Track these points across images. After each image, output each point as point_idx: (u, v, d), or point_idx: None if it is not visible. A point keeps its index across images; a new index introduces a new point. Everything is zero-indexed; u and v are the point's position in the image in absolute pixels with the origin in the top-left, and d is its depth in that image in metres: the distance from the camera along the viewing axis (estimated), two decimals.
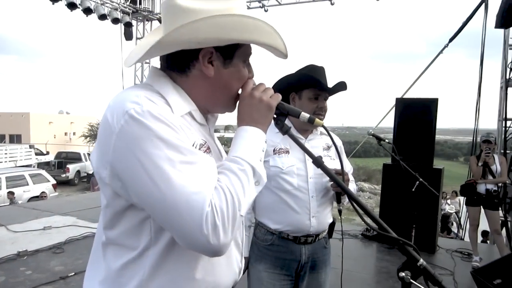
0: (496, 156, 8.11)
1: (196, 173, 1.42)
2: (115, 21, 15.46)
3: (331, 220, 3.35)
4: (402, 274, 1.44)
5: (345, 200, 3.10)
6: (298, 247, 3.19)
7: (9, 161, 30.11)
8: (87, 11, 14.29)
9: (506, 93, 11.06)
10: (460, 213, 16.31)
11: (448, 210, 18.40)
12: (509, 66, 10.87)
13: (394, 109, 9.48)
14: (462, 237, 13.31)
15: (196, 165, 1.43)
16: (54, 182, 21.96)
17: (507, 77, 10.92)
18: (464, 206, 9.20)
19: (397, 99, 9.57)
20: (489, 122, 12.84)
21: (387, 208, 8.97)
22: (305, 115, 1.72)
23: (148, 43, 1.58)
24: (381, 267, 7.85)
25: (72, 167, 33.29)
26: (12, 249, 7.71)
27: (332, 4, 14.69)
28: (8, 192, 17.99)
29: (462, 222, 14.64)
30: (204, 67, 1.63)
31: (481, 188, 7.90)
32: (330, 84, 3.22)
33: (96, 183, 19.22)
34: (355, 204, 1.57)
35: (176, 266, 1.59)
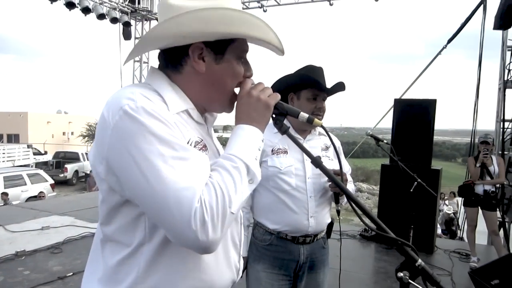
0: (494, 157, 8.12)
1: (188, 169, 1.43)
2: (114, 20, 15.45)
3: (329, 221, 3.35)
4: (401, 274, 1.44)
5: (344, 200, 3.10)
6: (297, 247, 3.20)
7: (7, 161, 30.06)
8: (86, 10, 14.28)
9: (504, 95, 11.07)
10: (458, 214, 16.33)
11: (446, 211, 18.41)
12: (507, 67, 10.87)
13: (392, 110, 9.49)
14: (461, 235, 13.31)
15: (188, 161, 1.44)
16: (52, 182, 21.94)
17: (505, 79, 10.92)
18: (462, 207, 9.21)
19: (395, 100, 9.57)
20: (487, 123, 12.87)
21: (385, 209, 8.99)
22: (304, 115, 1.72)
23: None
24: (379, 268, 7.86)
25: (70, 167, 33.27)
26: (10, 249, 7.70)
27: (331, 4, 14.69)
28: (1, 193, 17.93)
29: (460, 223, 14.65)
30: (195, 63, 1.65)
31: (479, 189, 7.90)
32: (329, 84, 3.23)
33: (93, 183, 19.30)
34: (353, 205, 1.57)
35: (171, 264, 1.59)
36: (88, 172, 28.18)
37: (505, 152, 10.85)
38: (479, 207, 8.00)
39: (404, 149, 8.16)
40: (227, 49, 1.67)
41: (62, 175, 32.24)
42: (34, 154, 34.86)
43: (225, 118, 1.96)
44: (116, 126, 1.45)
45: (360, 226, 10.90)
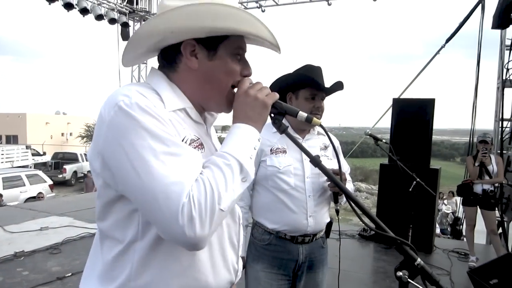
0: (492, 157, 8.12)
1: (178, 165, 1.43)
2: (112, 21, 15.42)
3: (328, 220, 3.35)
4: (400, 273, 1.44)
5: (343, 200, 3.09)
6: (296, 246, 3.19)
7: (6, 162, 30.10)
8: (84, 11, 14.24)
9: (503, 94, 11.07)
10: (456, 213, 16.34)
11: (445, 211, 18.42)
12: (506, 66, 10.88)
13: (391, 109, 9.50)
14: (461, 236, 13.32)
15: (180, 157, 1.45)
16: (51, 182, 21.97)
17: (504, 78, 10.93)
18: (461, 206, 9.22)
19: (394, 100, 9.59)
20: (486, 122, 12.88)
21: (384, 208, 8.99)
22: (303, 114, 1.72)
23: None
24: (378, 267, 7.85)
25: (69, 168, 33.31)
26: (9, 249, 7.69)
27: (329, 4, 14.67)
28: None
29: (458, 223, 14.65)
30: (187, 60, 1.67)
31: (478, 188, 7.90)
32: (327, 84, 3.23)
33: (91, 184, 19.27)
34: (353, 204, 1.57)
35: (165, 261, 1.59)
36: (86, 173, 28.22)
37: (504, 151, 10.87)
38: (478, 207, 8.00)
39: (403, 149, 8.18)
40: (220, 45, 1.68)
41: (61, 175, 32.29)
42: (33, 155, 34.94)
43: (224, 118, 1.96)
44: (111, 122, 1.47)
45: (359, 225, 10.90)
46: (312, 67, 3.28)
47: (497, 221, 9.03)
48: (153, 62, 1.89)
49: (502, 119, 11.13)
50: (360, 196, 35.44)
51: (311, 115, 1.73)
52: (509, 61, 10.82)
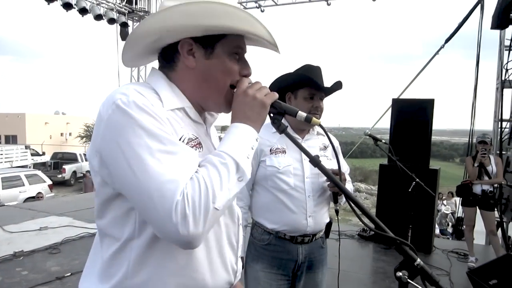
0: (492, 157, 8.12)
1: (174, 163, 1.44)
2: (111, 21, 15.39)
3: (327, 220, 3.35)
4: (399, 273, 1.44)
5: (342, 200, 3.09)
6: (295, 246, 3.19)
7: (5, 162, 30.10)
8: (83, 11, 14.22)
9: (502, 94, 11.05)
10: (456, 214, 16.33)
11: (444, 211, 18.43)
12: (505, 67, 10.86)
13: (390, 109, 9.51)
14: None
15: (175, 156, 1.46)
16: (50, 182, 21.96)
17: (503, 78, 10.91)
18: (460, 206, 9.22)
19: (393, 100, 9.61)
20: (485, 123, 12.87)
21: (384, 209, 8.99)
22: (302, 114, 1.71)
23: None
24: (378, 267, 7.86)
25: (68, 168, 33.30)
26: (8, 249, 7.70)
27: (328, 4, 14.67)
28: None
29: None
30: (185, 58, 1.69)
31: (477, 188, 7.90)
32: (327, 84, 3.23)
33: (90, 184, 19.26)
34: (352, 204, 1.57)
35: (161, 260, 1.60)
36: (85, 173, 28.24)
37: (503, 152, 10.86)
38: (477, 207, 8.00)
39: (402, 149, 8.18)
40: (217, 44, 1.69)
41: (60, 175, 32.29)
42: (32, 155, 34.95)
43: (224, 118, 1.96)
44: (108, 120, 1.49)
45: (358, 226, 10.91)
46: (311, 67, 3.28)
47: (496, 222, 9.01)
48: (154, 63, 1.90)
49: (501, 120, 11.12)
50: (360, 196, 35.44)
51: (310, 114, 1.73)
52: (508, 62, 10.78)
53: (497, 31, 11.21)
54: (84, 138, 52.69)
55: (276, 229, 3.18)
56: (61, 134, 57.47)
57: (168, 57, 1.76)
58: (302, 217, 3.15)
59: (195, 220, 1.38)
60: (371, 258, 8.57)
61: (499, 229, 9.71)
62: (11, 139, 50.93)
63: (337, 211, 3.15)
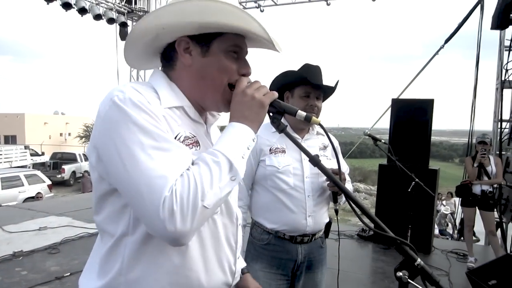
0: (491, 157, 8.12)
1: (165, 160, 1.45)
2: (110, 21, 15.38)
3: (327, 220, 3.35)
4: (400, 273, 1.43)
5: (342, 200, 3.09)
6: (294, 246, 3.19)
7: (4, 162, 30.11)
8: (82, 11, 14.21)
9: (502, 94, 11.04)
10: (455, 214, 16.33)
11: (443, 211, 18.42)
12: (505, 67, 10.85)
13: (390, 110, 9.50)
14: (457, 237, 13.30)
15: (168, 152, 1.47)
16: (50, 182, 21.93)
17: (503, 79, 10.90)
18: (460, 207, 9.22)
19: (393, 100, 9.61)
20: (485, 123, 12.85)
21: (383, 209, 8.98)
22: (301, 113, 1.71)
23: None
24: (377, 268, 7.86)
25: (68, 168, 33.28)
26: (7, 249, 7.69)
27: (328, 4, 14.66)
28: None
29: (457, 223, 14.65)
30: (181, 56, 1.72)
31: (477, 189, 7.90)
32: (327, 84, 3.24)
33: (87, 184, 19.24)
34: (352, 204, 1.57)
35: (156, 258, 1.60)
36: (83, 173, 28.26)
37: (503, 152, 10.85)
38: (477, 207, 8.00)
39: (402, 149, 8.17)
40: (213, 42, 1.70)
41: (59, 176, 32.26)
42: (31, 155, 34.94)
43: (225, 119, 1.96)
44: (105, 116, 1.52)
45: (358, 226, 10.91)
46: (309, 66, 3.29)
47: (495, 222, 9.01)
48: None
49: (501, 120, 11.11)
50: (359, 196, 35.40)
51: (309, 113, 1.72)
52: (508, 62, 10.77)
53: (497, 31, 11.20)
54: (84, 138, 52.72)
55: (276, 229, 3.18)
56: (61, 134, 57.46)
57: (168, 57, 1.78)
58: (301, 216, 3.15)
59: (183, 217, 1.39)
60: (370, 258, 8.57)
61: (499, 230, 9.71)
62: (10, 139, 50.90)
63: (336, 211, 3.14)
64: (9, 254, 7.46)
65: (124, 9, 16.28)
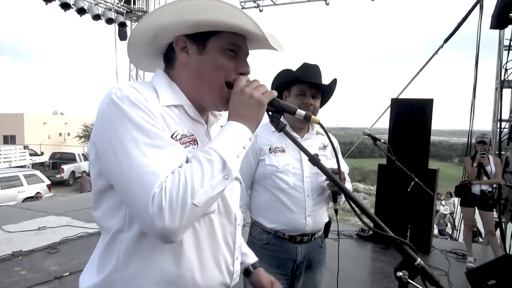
0: (491, 157, 8.12)
1: (158, 157, 1.47)
2: (109, 21, 15.39)
3: (327, 220, 3.35)
4: (400, 273, 1.43)
5: (342, 199, 3.09)
6: (294, 246, 3.19)
7: (4, 162, 30.12)
8: (81, 11, 14.21)
9: (501, 94, 11.02)
10: (454, 214, 16.33)
11: (443, 211, 18.42)
12: (504, 67, 10.83)
13: (389, 109, 9.50)
14: (457, 238, 13.31)
15: (161, 150, 1.49)
16: (49, 182, 21.92)
17: (502, 78, 10.89)
18: (459, 207, 9.21)
19: (392, 100, 9.61)
20: (484, 123, 12.83)
21: (382, 209, 8.99)
22: (301, 112, 1.71)
23: None
24: (376, 268, 7.87)
25: (67, 168, 33.28)
26: (6, 249, 7.69)
27: (327, 4, 14.67)
28: None
29: (456, 223, 14.65)
30: (179, 55, 1.74)
31: (476, 189, 7.90)
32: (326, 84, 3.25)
33: (85, 185, 19.22)
34: (352, 203, 1.56)
35: (150, 256, 1.61)
36: (81, 173, 28.27)
37: (502, 152, 10.84)
38: (476, 207, 8.01)
39: (401, 149, 8.16)
40: (209, 40, 1.72)
41: (58, 175, 32.28)
42: (31, 155, 34.98)
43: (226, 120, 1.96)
44: (103, 113, 1.55)
45: (357, 226, 10.91)
46: (308, 65, 3.31)
47: (494, 222, 9.01)
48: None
49: (501, 120, 11.10)
50: (358, 196, 35.00)
51: (309, 112, 1.72)
52: (507, 62, 10.76)
53: (497, 31, 11.18)
54: (83, 138, 52.66)
55: (275, 229, 3.18)
56: (60, 134, 57.40)
57: (168, 57, 1.81)
58: (301, 216, 3.15)
59: (171, 213, 1.39)
60: (369, 258, 8.57)
61: (498, 229, 9.71)
62: (9, 139, 50.85)
63: (336, 211, 3.15)
64: (8, 253, 7.46)
65: (123, 9, 16.28)
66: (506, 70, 10.75)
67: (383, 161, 9.32)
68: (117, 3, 15.95)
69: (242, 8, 1.65)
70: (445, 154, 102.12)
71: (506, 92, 11.33)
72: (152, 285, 1.61)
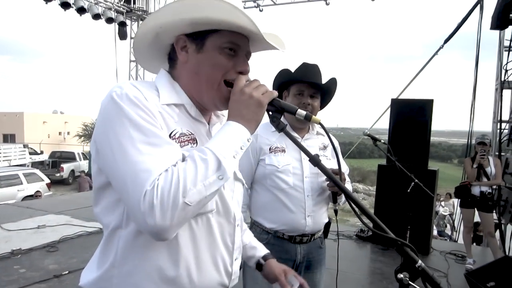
0: (491, 158, 8.10)
1: (153, 154, 1.48)
2: (109, 20, 15.42)
3: (326, 220, 3.36)
4: (401, 275, 1.42)
5: (341, 200, 3.09)
6: (294, 246, 3.19)
7: (3, 161, 30.13)
8: (81, 10, 14.25)
9: (501, 95, 11.02)
10: (454, 215, 16.32)
11: (442, 212, 18.42)
12: (504, 67, 10.83)
13: (389, 110, 9.49)
14: (456, 239, 13.30)
15: (156, 148, 1.50)
16: (48, 181, 21.91)
17: (502, 79, 10.88)
18: (458, 208, 9.21)
19: (392, 100, 9.61)
20: (484, 124, 12.83)
21: (382, 209, 8.96)
22: (301, 112, 1.71)
23: None
24: (375, 268, 7.86)
25: (66, 167, 33.28)
26: (6, 247, 7.67)
27: (327, 4, 14.69)
28: None
29: (456, 224, 14.64)
30: (179, 54, 1.77)
31: (476, 190, 7.89)
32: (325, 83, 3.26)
33: (84, 184, 19.24)
34: (352, 204, 1.56)
35: (147, 253, 1.62)
36: (80, 173, 28.30)
37: (502, 153, 10.83)
38: (476, 209, 8.00)
39: (401, 150, 8.13)
40: (208, 39, 1.73)
41: (58, 174, 32.28)
42: (30, 153, 34.99)
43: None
44: (103, 110, 1.58)
45: (356, 226, 10.91)
46: (307, 65, 3.32)
47: (494, 224, 9.00)
48: None
49: (501, 121, 11.10)
50: (357, 197, 35.25)
51: (309, 113, 1.71)
52: (507, 62, 10.74)
53: (497, 32, 11.20)
54: (82, 137, 52.67)
55: (275, 229, 3.19)
56: (59, 133, 57.37)
57: (171, 57, 1.83)
58: (300, 216, 3.15)
59: (163, 211, 1.40)
60: (368, 259, 8.56)
61: (497, 231, 9.71)
62: (9, 138, 50.85)
63: (336, 211, 3.15)
64: (7, 252, 7.44)
65: (123, 8, 16.31)
66: (506, 71, 10.75)
67: (383, 161, 9.31)
68: (117, 3, 15.97)
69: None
70: (445, 155, 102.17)
71: (506, 93, 11.35)
72: (148, 282, 1.62)
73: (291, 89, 3.28)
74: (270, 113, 1.75)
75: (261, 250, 2.35)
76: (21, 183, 19.86)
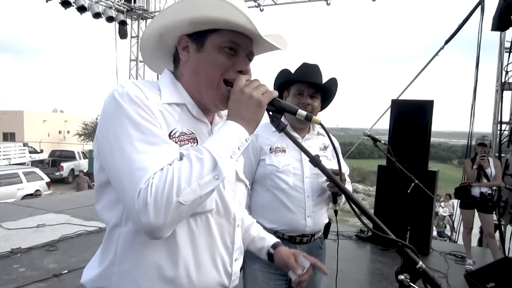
0: (491, 159, 8.11)
1: (150, 153, 1.50)
2: (110, 19, 15.42)
3: (326, 221, 3.35)
4: (401, 277, 1.42)
5: (341, 200, 3.09)
6: (294, 246, 3.16)
7: (3, 159, 30.14)
8: (81, 9, 14.25)
9: (502, 96, 11.02)
10: (454, 216, 16.31)
11: (442, 213, 18.42)
12: (505, 69, 10.81)
13: (389, 110, 9.48)
14: (455, 240, 13.29)
15: (154, 147, 1.52)
16: (48, 180, 21.92)
17: (503, 80, 10.87)
18: (458, 209, 9.20)
19: (392, 101, 9.61)
20: (484, 125, 12.83)
21: (382, 210, 8.96)
22: (302, 112, 1.70)
23: None
24: (375, 269, 7.86)
25: (66, 165, 33.28)
26: (5, 246, 7.67)
27: (328, 4, 14.68)
28: None
29: (455, 225, 14.64)
30: (180, 54, 1.80)
31: (476, 191, 7.90)
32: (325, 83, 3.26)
33: (83, 184, 19.25)
34: (352, 204, 1.55)
35: (146, 252, 1.62)
36: (84, 171, 28.30)
37: (502, 155, 10.83)
38: (476, 210, 8.00)
39: (401, 150, 8.12)
40: (207, 38, 1.74)
41: (58, 173, 32.29)
42: (30, 152, 35.01)
43: None
44: (105, 109, 1.60)
45: (356, 227, 10.90)
46: (307, 65, 3.32)
47: (494, 225, 9.00)
48: None
49: (501, 122, 11.10)
50: (357, 197, 35.24)
51: (310, 113, 1.71)
52: (508, 64, 10.73)
53: (497, 33, 11.20)
54: (82, 136, 52.63)
55: (275, 229, 3.18)
56: (59, 132, 57.34)
57: (175, 58, 1.85)
58: (301, 217, 3.15)
59: (156, 210, 1.41)
60: (368, 259, 8.56)
61: (497, 232, 9.71)
62: (9, 137, 50.82)
63: (336, 212, 3.15)
64: (7, 251, 7.44)
65: (123, 7, 16.31)
66: (506, 72, 10.74)
67: (383, 162, 9.31)
68: (118, 1, 15.98)
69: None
70: (445, 155, 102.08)
71: (506, 94, 11.35)
72: (147, 280, 1.62)
73: (291, 89, 3.28)
74: (270, 113, 1.74)
75: (270, 240, 2.35)
76: (21, 182, 19.88)
